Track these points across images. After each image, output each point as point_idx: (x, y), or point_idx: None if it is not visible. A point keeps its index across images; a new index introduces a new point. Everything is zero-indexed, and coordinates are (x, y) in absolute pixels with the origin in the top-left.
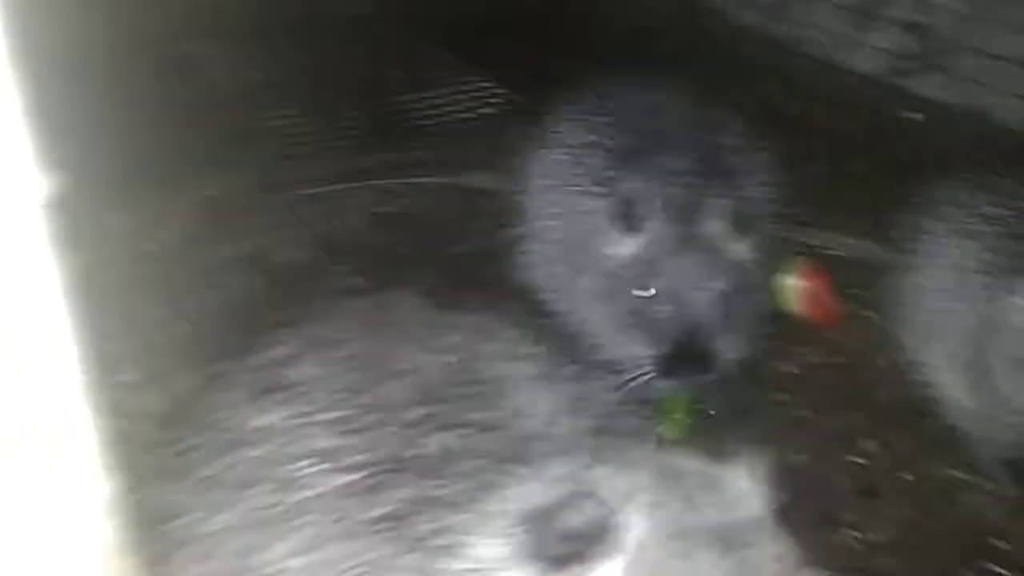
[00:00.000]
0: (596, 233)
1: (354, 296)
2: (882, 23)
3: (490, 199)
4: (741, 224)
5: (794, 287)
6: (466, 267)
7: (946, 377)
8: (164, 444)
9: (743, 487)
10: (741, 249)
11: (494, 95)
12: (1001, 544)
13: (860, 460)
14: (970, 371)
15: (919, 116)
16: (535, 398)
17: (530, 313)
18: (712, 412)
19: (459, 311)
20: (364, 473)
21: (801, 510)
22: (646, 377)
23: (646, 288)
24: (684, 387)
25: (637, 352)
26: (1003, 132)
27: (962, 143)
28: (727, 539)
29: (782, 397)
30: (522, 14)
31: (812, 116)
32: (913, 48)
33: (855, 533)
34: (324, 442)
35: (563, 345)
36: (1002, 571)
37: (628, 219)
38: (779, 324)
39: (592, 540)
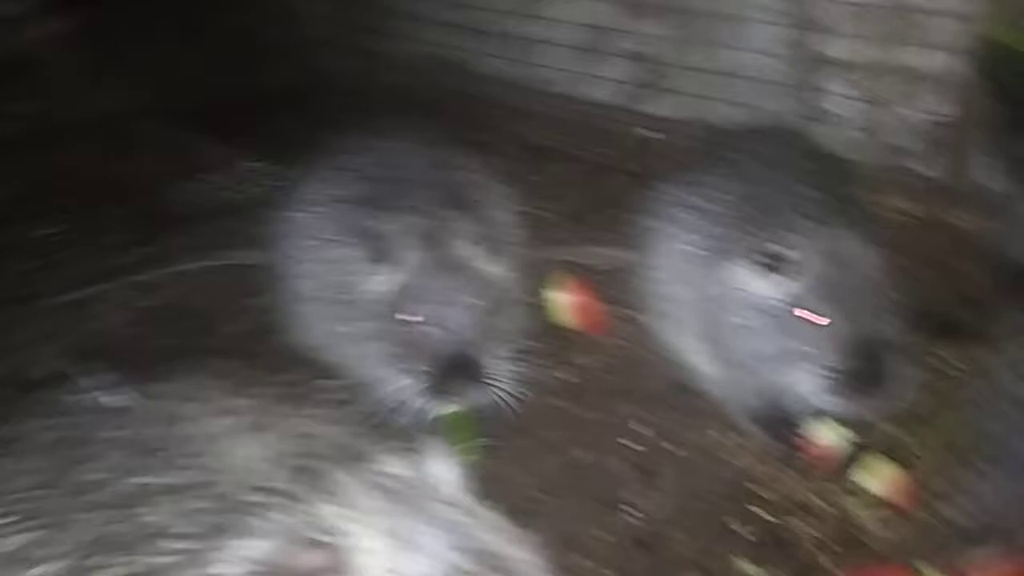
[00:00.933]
0: (356, 276)
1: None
2: (611, 56)
3: (258, 273)
4: (490, 246)
5: (561, 300)
6: (240, 345)
7: (694, 353)
8: None
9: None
10: (495, 269)
11: (255, 171)
12: (760, 489)
13: (635, 446)
14: (709, 343)
15: (660, 135)
16: (245, 451)
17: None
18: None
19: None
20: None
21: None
22: (419, 402)
23: (412, 314)
24: (461, 405)
25: (410, 379)
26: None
27: (695, 151)
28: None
29: (560, 403)
30: (273, 88)
31: (564, 146)
32: (641, 75)
33: (633, 511)
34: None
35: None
36: (762, 511)
37: (383, 255)
38: (553, 336)
39: None
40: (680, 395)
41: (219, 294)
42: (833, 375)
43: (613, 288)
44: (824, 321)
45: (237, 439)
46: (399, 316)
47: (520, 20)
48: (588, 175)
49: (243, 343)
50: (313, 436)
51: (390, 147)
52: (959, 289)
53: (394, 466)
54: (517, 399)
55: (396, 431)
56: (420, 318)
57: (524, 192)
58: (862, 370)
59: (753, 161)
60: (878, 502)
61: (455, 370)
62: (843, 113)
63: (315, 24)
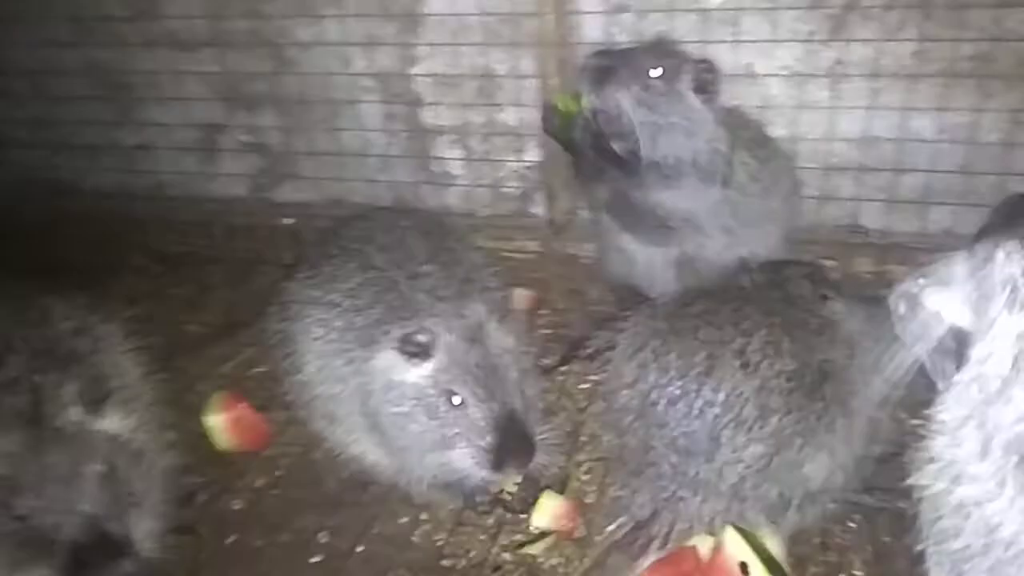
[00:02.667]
0: None
1: None
2: (232, 152)
3: None
4: (94, 399)
5: (219, 423)
6: None
7: (363, 447)
8: None
9: None
10: (110, 423)
11: None
12: (454, 562)
13: (326, 559)
14: (374, 434)
15: (291, 220)
16: None
17: None
18: None
19: None
20: None
21: None
22: None
23: None
24: None
25: None
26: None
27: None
28: None
29: (242, 537)
30: None
31: (201, 249)
32: (267, 165)
33: None
34: None
35: None
36: None
37: None
38: (220, 465)
39: None
40: (360, 492)
41: None
42: (484, 453)
43: (271, 396)
44: (468, 402)
45: None
46: None
47: (129, 130)
48: (236, 276)
49: None
50: None
51: None
52: (590, 313)
53: None
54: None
55: None
56: None
57: (167, 308)
58: (508, 443)
59: (385, 245)
60: (556, 538)
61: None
62: (457, 173)
63: None
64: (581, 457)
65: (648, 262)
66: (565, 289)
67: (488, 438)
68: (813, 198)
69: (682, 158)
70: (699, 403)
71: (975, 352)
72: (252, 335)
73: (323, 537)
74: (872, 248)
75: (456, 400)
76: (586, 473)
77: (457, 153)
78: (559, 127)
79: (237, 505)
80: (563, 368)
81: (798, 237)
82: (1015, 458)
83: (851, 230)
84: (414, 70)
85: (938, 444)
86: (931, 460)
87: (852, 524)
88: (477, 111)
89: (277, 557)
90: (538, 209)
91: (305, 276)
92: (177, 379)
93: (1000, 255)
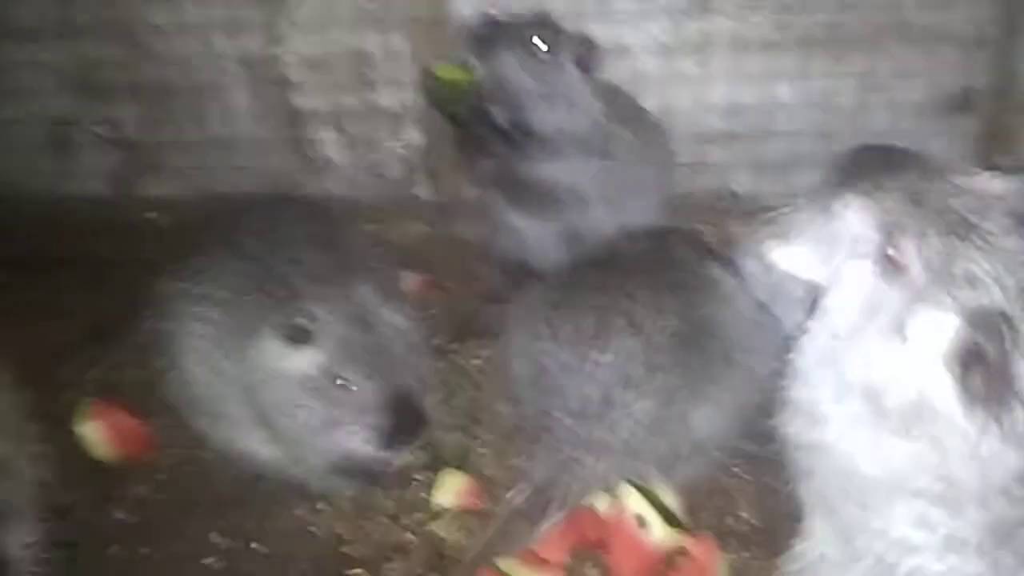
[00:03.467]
0: None
1: None
2: (80, 147)
3: None
4: None
5: (94, 431)
6: None
7: (251, 442)
8: None
9: None
10: None
11: None
12: (356, 548)
13: (221, 562)
14: (261, 428)
15: (153, 214)
16: None
17: None
18: None
19: None
20: None
21: None
22: None
23: None
24: None
25: None
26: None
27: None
28: None
29: (127, 551)
30: None
31: (61, 251)
32: (130, 159)
33: None
34: None
35: None
36: (361, 571)
37: None
38: (99, 474)
39: None
40: (251, 490)
41: None
42: (374, 432)
43: (148, 400)
44: (354, 382)
45: None
46: None
47: None
48: (96, 277)
49: None
50: None
51: None
52: (481, 291)
53: None
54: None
55: None
56: None
57: (23, 316)
58: (398, 420)
59: (259, 233)
60: (457, 514)
61: None
62: (334, 158)
63: None
64: (478, 432)
65: (536, 236)
66: (454, 270)
67: (377, 416)
68: (686, 166)
69: (565, 130)
70: (590, 366)
71: (824, 301)
72: (120, 338)
73: (215, 538)
74: (742, 212)
75: (342, 381)
76: (484, 447)
77: (333, 137)
78: (442, 97)
79: (120, 515)
80: (456, 347)
81: (674, 205)
82: (866, 400)
83: (722, 196)
84: (281, 52)
85: (796, 389)
86: (790, 404)
87: (736, 470)
88: (351, 93)
89: (166, 564)
90: (422, 192)
91: (178, 271)
92: (41, 389)
93: (841, 207)
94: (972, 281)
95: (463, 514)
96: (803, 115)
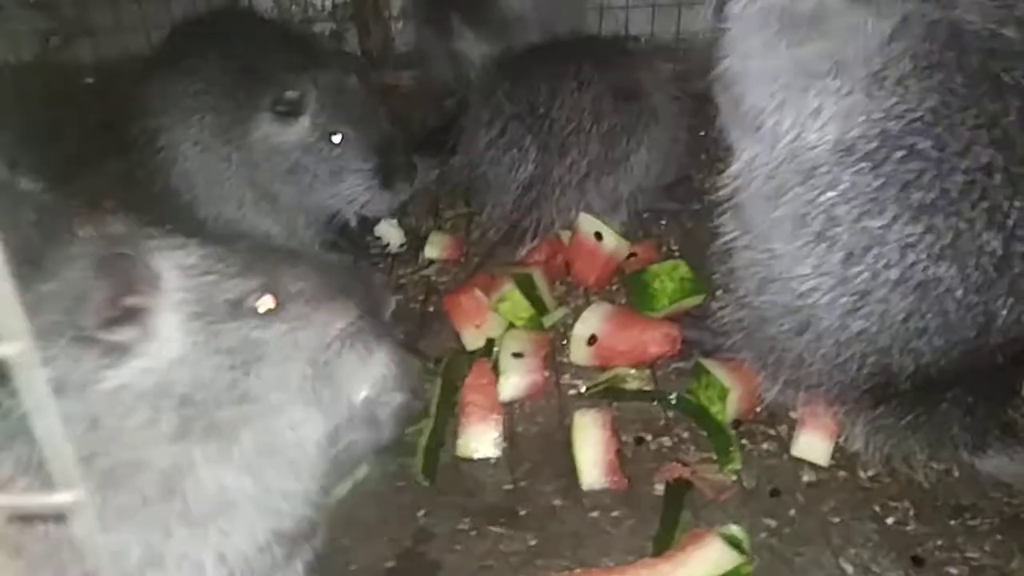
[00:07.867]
0: None
1: None
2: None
3: None
4: None
5: None
6: None
7: (253, 218)
8: None
9: None
10: None
11: None
12: None
13: None
14: (265, 201)
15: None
16: None
17: None
18: None
19: None
20: None
21: None
22: None
23: None
24: None
25: None
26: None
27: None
28: None
29: None
30: None
31: None
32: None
33: None
34: None
35: None
36: None
37: None
38: None
39: None
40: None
41: None
42: (372, 176)
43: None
44: (348, 136)
45: None
46: None
47: None
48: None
49: None
50: None
51: None
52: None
53: None
54: None
55: None
56: None
57: None
58: (393, 163)
59: (231, 35)
60: (445, 264)
61: None
62: None
63: None
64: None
65: (478, 60)
66: (390, 116)
67: (374, 161)
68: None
69: None
70: (548, 121)
71: None
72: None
73: None
74: None
75: (336, 139)
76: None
77: None
78: None
79: None
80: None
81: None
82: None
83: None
84: None
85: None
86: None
87: (663, 222)
88: None
89: None
90: (352, 45)
91: (166, 74)
92: None
93: None
94: None
95: (449, 264)
96: None
